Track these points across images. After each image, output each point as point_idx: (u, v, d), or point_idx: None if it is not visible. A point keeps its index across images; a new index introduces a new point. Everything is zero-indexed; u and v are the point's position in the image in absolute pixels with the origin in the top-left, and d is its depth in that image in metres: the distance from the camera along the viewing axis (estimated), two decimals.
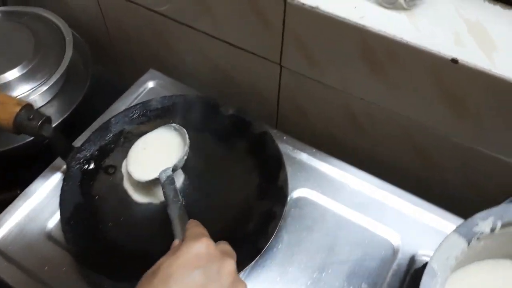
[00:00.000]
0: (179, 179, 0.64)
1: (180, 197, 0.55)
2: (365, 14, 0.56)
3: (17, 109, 0.59)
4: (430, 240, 0.60)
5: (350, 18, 0.56)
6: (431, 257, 0.44)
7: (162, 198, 0.60)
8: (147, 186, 0.62)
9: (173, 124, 0.65)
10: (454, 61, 0.53)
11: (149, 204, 0.62)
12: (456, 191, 0.69)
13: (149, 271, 0.42)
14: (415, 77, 0.58)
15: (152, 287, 0.40)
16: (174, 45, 0.81)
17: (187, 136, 0.63)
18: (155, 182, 0.60)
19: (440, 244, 0.44)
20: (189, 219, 0.51)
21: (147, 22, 0.79)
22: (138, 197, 0.63)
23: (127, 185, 0.64)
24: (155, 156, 0.64)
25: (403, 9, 0.57)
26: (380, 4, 0.57)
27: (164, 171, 0.59)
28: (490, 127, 0.57)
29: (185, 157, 0.62)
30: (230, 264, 0.43)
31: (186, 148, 0.62)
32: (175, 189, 0.57)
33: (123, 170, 0.65)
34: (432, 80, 0.57)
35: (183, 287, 0.40)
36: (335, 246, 0.60)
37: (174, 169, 0.60)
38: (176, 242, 0.48)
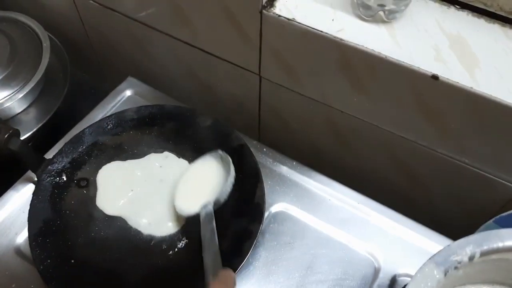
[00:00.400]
0: None
1: (216, 239, 0.52)
2: (343, 27, 0.54)
3: None
4: (413, 259, 0.58)
5: (327, 31, 0.54)
6: (407, 286, 0.42)
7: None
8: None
9: (220, 152, 0.60)
10: (435, 77, 0.51)
11: (120, 219, 0.60)
12: (440, 207, 0.67)
13: None
14: (395, 92, 0.56)
15: None
16: (153, 52, 0.78)
17: (232, 165, 0.58)
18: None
19: (416, 274, 0.42)
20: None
21: (126, 28, 0.77)
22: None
23: (100, 202, 0.62)
24: (197, 186, 0.60)
25: (383, 21, 0.55)
26: (359, 17, 0.55)
27: (205, 206, 0.56)
28: (472, 142, 0.55)
29: (229, 190, 0.57)
30: None
31: (231, 179, 0.57)
32: (213, 230, 0.53)
33: (98, 183, 0.63)
34: (412, 95, 0.55)
35: None
36: (314, 264, 0.59)
37: (216, 204, 0.56)
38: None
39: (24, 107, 0.79)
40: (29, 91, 0.77)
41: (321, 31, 0.54)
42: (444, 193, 0.65)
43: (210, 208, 0.56)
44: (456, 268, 0.43)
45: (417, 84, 0.52)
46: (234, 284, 0.48)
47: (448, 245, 0.43)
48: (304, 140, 0.74)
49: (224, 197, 0.57)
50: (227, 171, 0.58)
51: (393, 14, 0.54)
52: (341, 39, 0.53)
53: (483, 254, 0.43)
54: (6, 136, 0.57)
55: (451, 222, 0.66)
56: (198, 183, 0.60)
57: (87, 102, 0.78)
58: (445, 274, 0.42)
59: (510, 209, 0.56)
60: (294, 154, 0.68)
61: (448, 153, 0.59)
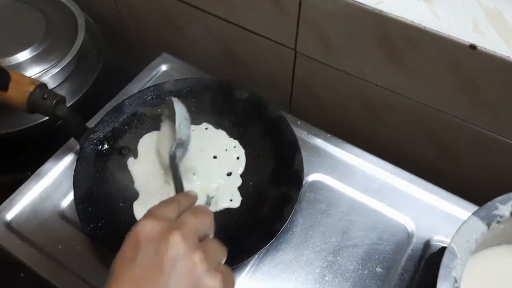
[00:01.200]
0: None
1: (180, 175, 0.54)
2: None
3: (31, 88, 0.59)
4: (445, 226, 0.60)
5: (367, 2, 0.56)
6: (452, 239, 0.44)
7: None
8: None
9: (172, 99, 0.62)
10: (473, 47, 0.53)
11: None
12: (471, 179, 0.69)
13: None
14: (432, 63, 0.58)
15: None
16: (186, 29, 0.80)
17: (176, 104, 0.61)
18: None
19: (460, 227, 0.44)
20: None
21: (159, 5, 0.79)
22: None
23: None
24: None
25: None
26: None
27: (169, 149, 0.58)
28: (507, 113, 0.58)
29: (182, 126, 0.60)
30: (176, 237, 0.35)
31: (179, 116, 0.60)
32: (176, 167, 0.55)
33: (139, 151, 0.65)
34: (449, 67, 0.57)
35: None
36: (349, 230, 0.61)
37: (178, 144, 0.59)
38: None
39: (59, 82, 0.81)
40: (64, 66, 0.79)
41: (361, 3, 0.56)
42: (475, 166, 0.67)
43: (172, 149, 0.57)
44: (498, 222, 0.45)
45: (455, 55, 0.55)
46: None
47: (491, 201, 0.45)
48: (336, 115, 0.76)
49: (184, 134, 0.60)
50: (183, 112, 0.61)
51: None
52: (381, 11, 0.56)
53: None
54: (54, 102, 0.59)
55: (481, 194, 0.68)
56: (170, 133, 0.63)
57: (118, 83, 0.79)
58: (488, 227, 0.44)
59: None
60: (325, 128, 0.70)
61: (482, 124, 0.61)
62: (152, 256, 0.35)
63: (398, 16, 0.55)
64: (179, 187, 0.52)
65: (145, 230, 0.36)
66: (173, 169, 0.55)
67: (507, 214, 0.45)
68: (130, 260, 0.35)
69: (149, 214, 0.38)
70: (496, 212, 0.45)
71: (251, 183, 0.63)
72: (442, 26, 0.54)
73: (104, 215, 0.59)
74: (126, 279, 0.34)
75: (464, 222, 0.45)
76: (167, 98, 0.65)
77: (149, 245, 0.35)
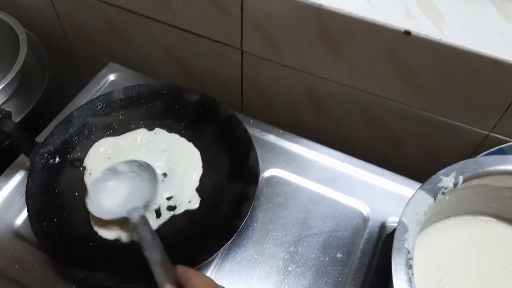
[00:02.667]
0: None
1: (158, 239, 0.53)
2: None
3: None
4: (398, 207, 0.61)
5: None
6: (401, 213, 0.46)
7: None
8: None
9: (138, 161, 0.61)
10: (407, 33, 0.56)
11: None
12: (414, 161, 0.73)
13: None
14: (370, 52, 0.61)
15: None
16: (132, 38, 0.80)
17: (156, 172, 0.60)
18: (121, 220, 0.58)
19: (408, 201, 0.46)
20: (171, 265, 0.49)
21: (104, 16, 0.78)
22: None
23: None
24: (120, 191, 0.60)
25: None
26: None
27: (136, 209, 0.56)
28: (441, 94, 0.61)
29: (156, 196, 0.60)
30: None
31: (158, 185, 0.59)
32: (151, 231, 0.54)
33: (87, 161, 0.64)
34: (387, 54, 0.60)
35: None
36: (308, 220, 0.62)
37: (145, 208, 0.58)
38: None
39: (4, 99, 0.79)
40: (7, 83, 0.76)
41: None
42: (417, 147, 0.71)
43: (142, 211, 0.56)
44: (443, 193, 0.48)
45: (391, 42, 0.58)
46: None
47: (435, 174, 0.48)
48: (285, 111, 0.78)
49: (152, 203, 0.59)
50: (152, 178, 0.60)
51: None
52: (320, 4, 0.58)
53: (465, 180, 0.48)
54: (0, 117, 0.57)
55: (426, 174, 0.72)
56: (118, 188, 0.60)
57: (64, 95, 0.78)
58: (435, 199, 0.47)
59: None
60: (276, 125, 0.72)
61: (421, 106, 0.64)
62: None
63: (336, 9, 0.58)
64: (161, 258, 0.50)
65: None
66: (150, 235, 0.53)
67: (451, 185, 0.48)
68: None
69: None
70: (440, 184, 0.48)
71: (209, 183, 0.63)
72: (378, 15, 0.57)
73: (60, 229, 0.58)
74: None
75: (412, 196, 0.47)
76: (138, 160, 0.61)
77: None
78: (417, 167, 0.71)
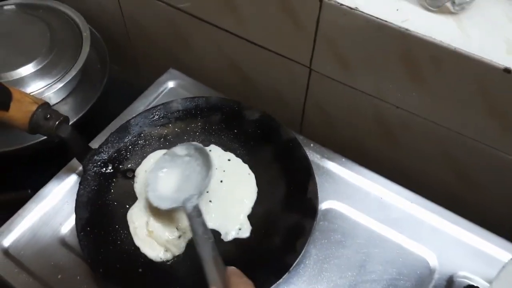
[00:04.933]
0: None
1: (210, 233, 0.51)
2: (408, 17, 0.53)
3: (34, 107, 0.56)
4: (470, 261, 0.56)
5: (392, 20, 0.52)
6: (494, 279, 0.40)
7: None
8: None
9: (194, 143, 0.59)
10: (507, 70, 0.49)
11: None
12: (497, 209, 0.65)
13: None
14: (459, 86, 0.54)
15: None
16: (195, 44, 0.77)
17: (211, 157, 0.57)
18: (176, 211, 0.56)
19: (498, 273, 0.40)
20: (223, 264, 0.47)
21: (168, 19, 0.76)
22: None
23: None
24: (175, 180, 0.58)
25: (450, 13, 0.53)
26: (425, 7, 0.53)
27: (189, 199, 0.53)
28: None
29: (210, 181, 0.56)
30: None
31: (211, 171, 0.56)
32: (204, 224, 0.51)
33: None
34: (479, 89, 0.53)
35: None
36: (367, 264, 0.57)
37: (200, 196, 0.55)
38: None
39: (62, 97, 0.78)
40: (68, 81, 0.76)
41: (386, 21, 0.52)
42: (501, 195, 0.63)
43: (195, 200, 0.54)
44: None
45: (486, 78, 0.51)
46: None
47: None
48: (349, 137, 0.72)
49: (205, 189, 0.56)
50: (206, 163, 0.57)
51: (461, 5, 0.52)
52: (407, 29, 0.52)
53: None
54: (57, 122, 0.56)
55: (508, 227, 0.64)
56: (174, 177, 0.58)
57: (121, 97, 0.76)
58: None
59: None
60: (337, 150, 0.66)
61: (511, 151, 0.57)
62: None
63: (425, 36, 0.51)
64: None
65: None
66: (201, 228, 0.51)
67: None
68: None
69: None
70: None
71: (261, 211, 0.59)
72: (474, 47, 0.50)
73: (107, 243, 0.56)
74: None
75: (503, 267, 0.41)
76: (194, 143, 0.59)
77: None
78: (497, 216, 0.63)
